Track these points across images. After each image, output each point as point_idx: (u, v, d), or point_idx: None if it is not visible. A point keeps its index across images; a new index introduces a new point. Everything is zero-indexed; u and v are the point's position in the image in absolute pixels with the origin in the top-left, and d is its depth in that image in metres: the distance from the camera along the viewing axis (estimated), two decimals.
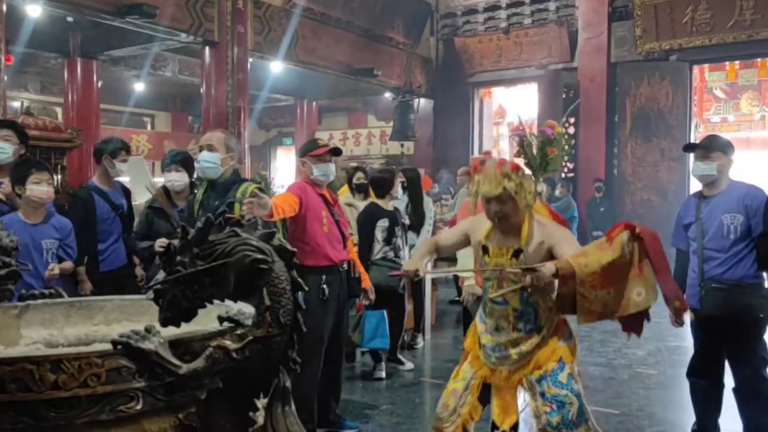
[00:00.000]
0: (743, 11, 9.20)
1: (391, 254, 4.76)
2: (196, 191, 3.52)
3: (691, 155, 3.33)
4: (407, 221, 5.43)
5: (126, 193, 4.27)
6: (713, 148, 3.14)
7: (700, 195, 3.24)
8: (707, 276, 3.11)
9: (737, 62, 11.16)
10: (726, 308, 3.05)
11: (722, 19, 9.37)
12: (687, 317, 3.34)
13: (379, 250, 4.72)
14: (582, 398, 2.44)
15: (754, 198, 3.05)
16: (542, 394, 2.41)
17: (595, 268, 2.24)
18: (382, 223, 4.71)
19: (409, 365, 5.05)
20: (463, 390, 2.56)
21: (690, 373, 3.37)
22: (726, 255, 3.06)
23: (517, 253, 2.43)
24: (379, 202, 4.84)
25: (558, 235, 2.46)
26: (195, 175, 3.85)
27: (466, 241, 2.67)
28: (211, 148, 3.26)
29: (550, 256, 2.43)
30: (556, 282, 2.33)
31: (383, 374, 4.82)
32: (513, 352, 2.47)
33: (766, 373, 3.10)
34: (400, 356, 5.09)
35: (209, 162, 3.26)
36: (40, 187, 3.34)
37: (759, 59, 10.78)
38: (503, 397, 2.56)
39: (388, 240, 4.75)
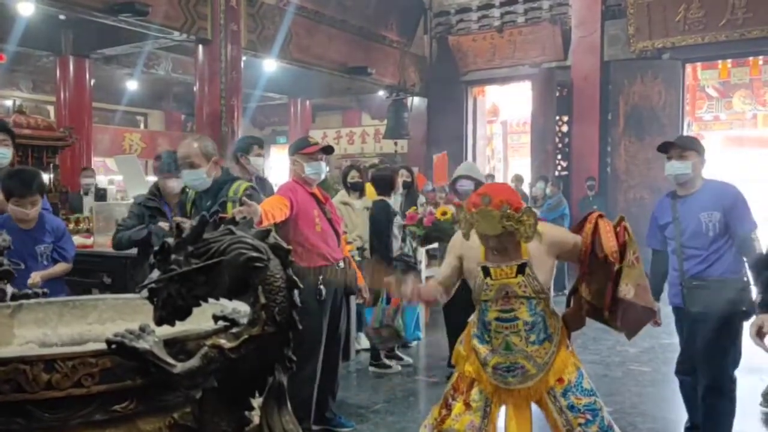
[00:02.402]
0: (735, 10, 9.24)
1: (407, 249, 4.79)
2: (187, 190, 3.50)
3: None
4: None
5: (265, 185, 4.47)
6: (687, 147, 3.18)
7: (674, 195, 3.27)
8: (689, 274, 3.14)
9: (729, 61, 11.22)
10: (709, 304, 3.07)
11: (714, 17, 9.41)
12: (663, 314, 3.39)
13: (398, 247, 4.74)
14: (600, 398, 2.41)
15: (728, 195, 3.11)
16: (571, 407, 2.33)
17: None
18: (398, 221, 4.73)
19: (406, 360, 5.09)
20: (482, 420, 2.39)
21: (678, 371, 3.39)
22: (707, 252, 3.09)
23: (521, 268, 2.34)
24: (390, 201, 4.88)
25: (553, 238, 2.40)
26: None
27: (461, 266, 2.50)
28: (192, 166, 3.17)
29: (555, 261, 2.41)
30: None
31: (399, 367, 4.96)
32: (530, 366, 2.36)
33: (735, 375, 3.13)
34: (397, 352, 5.12)
35: (196, 179, 3.20)
36: (22, 209, 3.29)
37: (751, 58, 10.84)
38: (522, 415, 2.43)
39: (403, 237, 4.78)
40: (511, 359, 2.36)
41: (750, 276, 3.07)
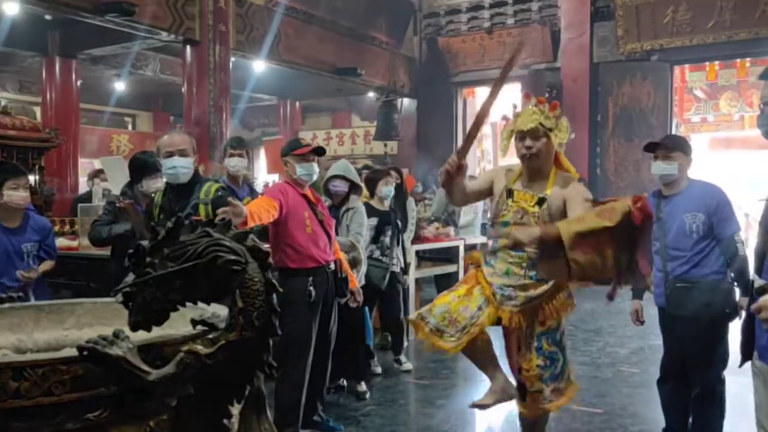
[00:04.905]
0: (723, 12, 9.29)
1: (377, 253, 4.74)
2: (152, 195, 3.48)
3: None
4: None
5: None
6: (674, 147, 3.17)
7: (659, 194, 3.26)
8: (672, 275, 3.13)
9: (717, 63, 11.27)
10: (691, 306, 3.06)
11: (702, 19, 9.46)
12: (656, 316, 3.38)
13: (365, 248, 4.69)
14: (566, 354, 2.63)
15: (713, 196, 3.10)
16: (539, 348, 2.56)
17: (584, 234, 2.29)
18: (371, 222, 4.70)
19: (407, 366, 5.01)
20: (476, 310, 2.59)
21: (661, 376, 3.37)
22: (690, 253, 3.09)
23: (540, 201, 2.52)
24: (371, 201, 4.89)
25: (574, 192, 2.54)
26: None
27: (489, 190, 2.73)
28: (183, 153, 3.21)
29: (565, 209, 2.52)
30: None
31: (379, 369, 4.88)
32: (521, 294, 2.54)
33: (723, 376, 3.12)
34: (399, 357, 5.05)
35: (185, 167, 3.21)
36: (18, 193, 3.28)
37: (738, 60, 10.89)
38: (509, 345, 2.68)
39: (375, 239, 4.75)
40: (506, 283, 2.56)
41: (735, 277, 3.07)
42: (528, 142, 2.50)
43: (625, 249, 2.31)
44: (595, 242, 2.28)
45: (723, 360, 3.11)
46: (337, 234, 4.18)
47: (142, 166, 3.83)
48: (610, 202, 2.40)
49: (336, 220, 4.24)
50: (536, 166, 2.56)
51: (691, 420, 3.21)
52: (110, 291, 1.34)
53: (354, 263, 4.12)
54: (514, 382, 2.74)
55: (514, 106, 2.66)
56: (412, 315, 2.78)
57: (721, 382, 3.12)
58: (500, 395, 2.71)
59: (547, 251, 2.40)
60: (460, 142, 12.21)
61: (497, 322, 2.67)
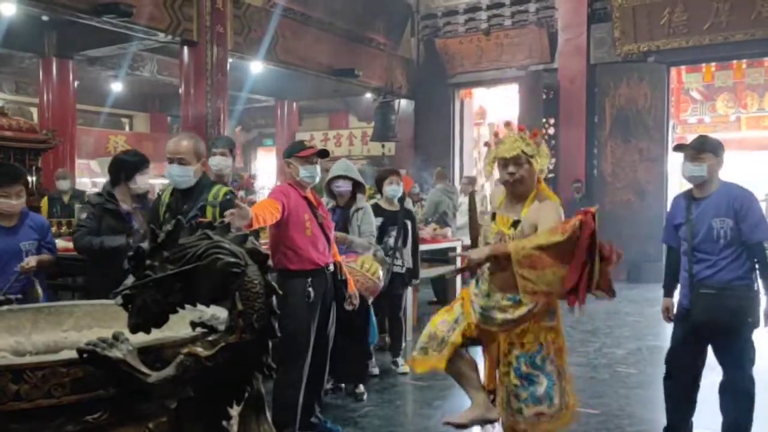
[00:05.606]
0: (719, 13, 9.32)
1: (380, 253, 4.75)
2: (159, 193, 3.43)
3: (671, 155, 3.35)
4: None
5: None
6: (704, 148, 3.11)
7: (690, 196, 3.22)
8: (697, 278, 3.12)
9: (713, 64, 11.31)
10: (715, 312, 3.05)
11: (698, 21, 9.49)
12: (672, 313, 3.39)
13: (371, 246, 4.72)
14: (553, 379, 2.62)
15: (743, 202, 3.05)
16: (517, 369, 2.60)
17: (533, 251, 2.36)
18: (375, 222, 4.71)
19: (404, 368, 4.97)
20: (453, 322, 2.69)
21: (668, 372, 3.37)
22: (716, 258, 3.06)
23: (515, 224, 2.59)
24: (380, 201, 4.95)
25: (545, 211, 2.57)
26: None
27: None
28: (182, 162, 3.15)
29: (536, 230, 2.54)
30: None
31: (377, 370, 4.87)
32: (500, 317, 2.60)
33: (752, 373, 3.11)
34: (397, 359, 5.04)
35: (181, 176, 3.17)
36: (9, 201, 3.22)
37: (735, 61, 10.93)
38: (490, 358, 2.72)
39: (379, 239, 4.75)
40: (487, 304, 2.62)
41: (761, 285, 3.05)
42: (511, 168, 2.59)
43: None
44: (544, 260, 2.35)
45: (751, 359, 3.10)
46: (348, 233, 4.23)
47: (123, 167, 3.57)
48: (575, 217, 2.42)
49: (346, 221, 4.26)
50: (519, 191, 2.63)
51: (722, 419, 3.20)
52: (109, 293, 1.33)
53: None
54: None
55: (496, 134, 2.74)
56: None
57: (752, 381, 3.11)
58: (477, 416, 2.73)
59: (499, 266, 2.49)
60: (457, 144, 12.27)
61: (475, 339, 2.73)
